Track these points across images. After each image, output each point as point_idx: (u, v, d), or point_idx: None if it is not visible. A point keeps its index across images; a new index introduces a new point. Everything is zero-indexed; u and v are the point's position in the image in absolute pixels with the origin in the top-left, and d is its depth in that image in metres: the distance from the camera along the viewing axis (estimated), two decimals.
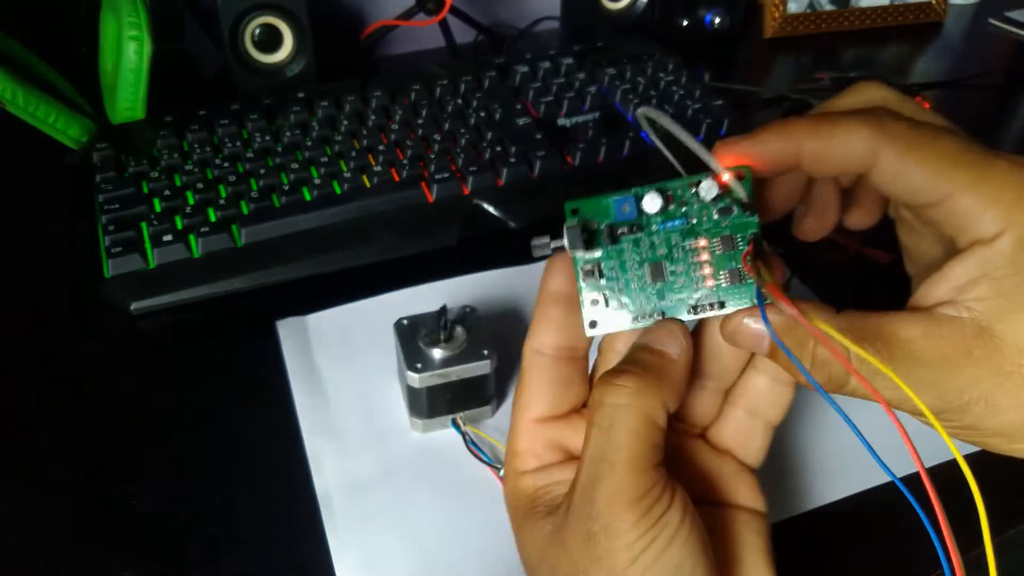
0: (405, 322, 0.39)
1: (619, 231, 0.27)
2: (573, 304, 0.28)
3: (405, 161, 0.54)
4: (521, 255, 0.50)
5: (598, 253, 0.27)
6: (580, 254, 0.27)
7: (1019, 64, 0.80)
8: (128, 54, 0.55)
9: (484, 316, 0.40)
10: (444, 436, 0.40)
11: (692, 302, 0.27)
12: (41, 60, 0.60)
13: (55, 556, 0.35)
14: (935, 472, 0.23)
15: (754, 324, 0.26)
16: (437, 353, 0.38)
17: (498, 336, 0.40)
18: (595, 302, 0.27)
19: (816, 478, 0.38)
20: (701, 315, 0.27)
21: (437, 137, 0.56)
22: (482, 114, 0.59)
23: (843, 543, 0.35)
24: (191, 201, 0.51)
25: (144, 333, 0.46)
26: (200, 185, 0.52)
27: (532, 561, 0.28)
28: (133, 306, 0.46)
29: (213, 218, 0.50)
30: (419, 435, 0.40)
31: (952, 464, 0.23)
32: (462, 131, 0.57)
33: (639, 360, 0.27)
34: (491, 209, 0.53)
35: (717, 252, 0.27)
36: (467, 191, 0.53)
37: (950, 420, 0.25)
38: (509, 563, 0.34)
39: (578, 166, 0.56)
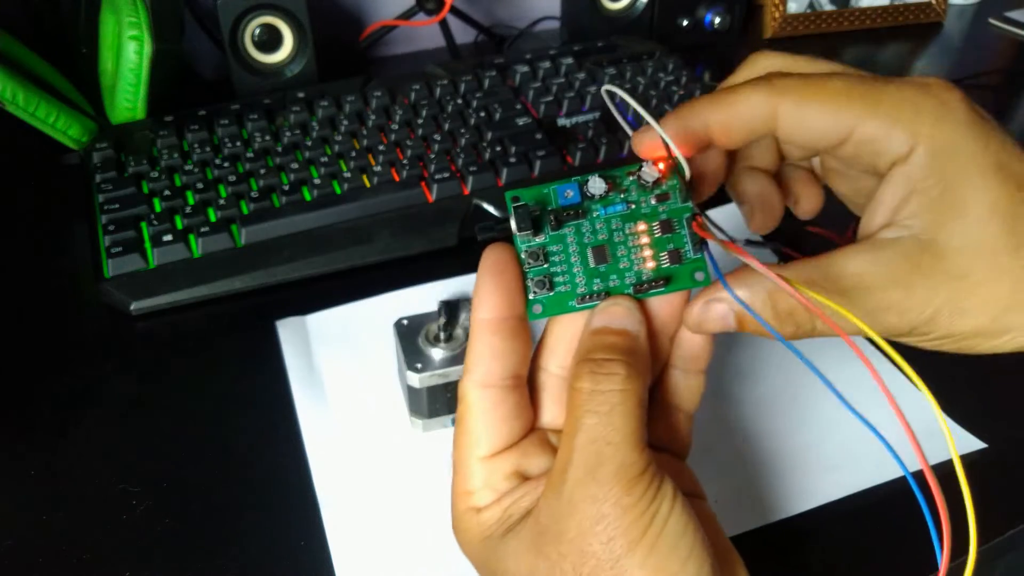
0: (405, 322, 0.39)
1: (563, 215, 0.28)
2: (509, 331, 0.28)
3: (405, 161, 0.54)
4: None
5: (542, 237, 0.28)
6: (525, 239, 0.28)
7: (1019, 64, 0.80)
8: (128, 54, 0.55)
9: None
10: (444, 436, 0.40)
11: (634, 281, 0.28)
12: (41, 60, 0.60)
13: (55, 556, 0.35)
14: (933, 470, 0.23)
15: (718, 304, 0.27)
16: (437, 353, 0.38)
17: None
18: (541, 284, 0.28)
19: (813, 478, 0.38)
20: (646, 294, 0.28)
21: (437, 137, 0.56)
22: (482, 114, 0.59)
23: (838, 544, 0.35)
24: (191, 201, 0.51)
25: (144, 333, 0.46)
26: (200, 185, 0.52)
27: None
28: (133, 306, 0.46)
29: (213, 218, 0.50)
30: (419, 435, 0.40)
31: (948, 464, 0.23)
32: (462, 131, 0.57)
33: (612, 345, 0.27)
34: (491, 209, 0.53)
35: (656, 235, 0.28)
36: (467, 191, 0.53)
37: (924, 335, 0.26)
38: None
39: (578, 166, 0.56)
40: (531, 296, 0.28)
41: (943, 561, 0.22)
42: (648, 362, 0.28)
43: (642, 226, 0.28)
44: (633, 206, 0.28)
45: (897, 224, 0.25)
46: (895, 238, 0.25)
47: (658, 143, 0.27)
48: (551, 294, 0.28)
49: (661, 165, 0.28)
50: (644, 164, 0.28)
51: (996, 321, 0.25)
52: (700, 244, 0.28)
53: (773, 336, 0.26)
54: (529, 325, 0.28)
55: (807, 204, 0.32)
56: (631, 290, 0.28)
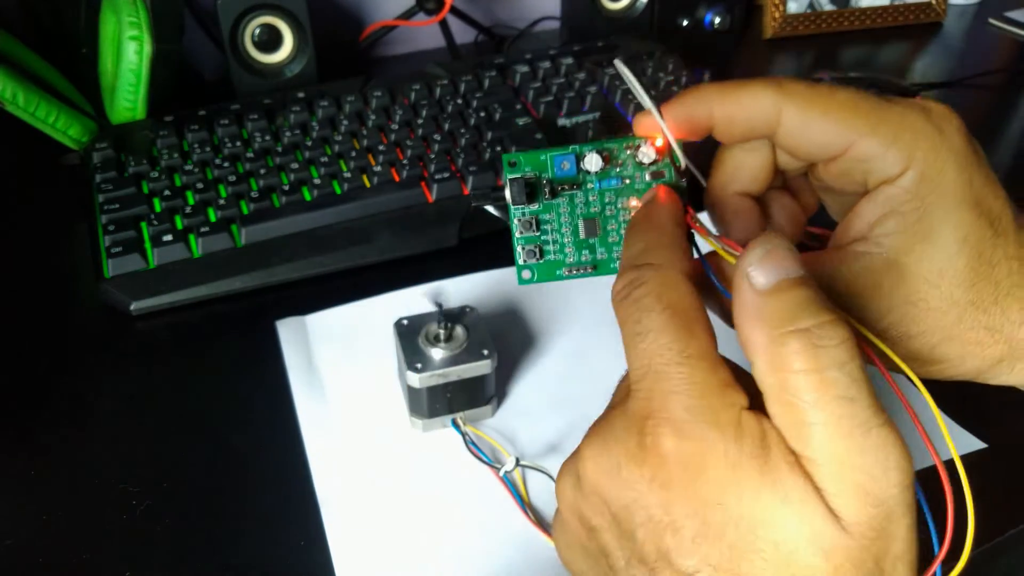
0: (405, 322, 0.39)
1: (558, 187, 0.28)
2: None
3: (405, 161, 0.54)
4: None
5: (536, 206, 0.28)
6: (519, 207, 0.28)
7: (1019, 64, 0.80)
8: (128, 54, 0.55)
9: (484, 316, 0.40)
10: (444, 436, 0.40)
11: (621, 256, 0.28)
12: (41, 60, 0.60)
13: (55, 556, 0.35)
14: (929, 472, 0.23)
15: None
16: (437, 353, 0.38)
17: (498, 336, 0.40)
18: (531, 252, 0.28)
19: None
20: None
21: (437, 137, 0.56)
22: (482, 114, 0.59)
23: None
24: (191, 201, 0.51)
25: (144, 333, 0.46)
26: (200, 185, 0.52)
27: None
28: (133, 306, 0.46)
29: (213, 218, 0.50)
30: (419, 435, 0.40)
31: (951, 462, 0.23)
32: (462, 131, 0.57)
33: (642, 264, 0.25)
34: (491, 209, 0.53)
35: None
36: (467, 191, 0.53)
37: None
38: (509, 562, 0.34)
39: None
40: (520, 262, 0.29)
41: (942, 548, 0.22)
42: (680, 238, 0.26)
43: (634, 201, 0.28)
44: (628, 181, 0.28)
45: (870, 240, 0.26)
46: (864, 252, 0.26)
47: (657, 126, 0.28)
48: (540, 262, 0.29)
49: (659, 144, 0.28)
50: (643, 143, 0.28)
51: (933, 350, 0.26)
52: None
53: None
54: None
55: (791, 230, 0.31)
56: (617, 264, 0.29)
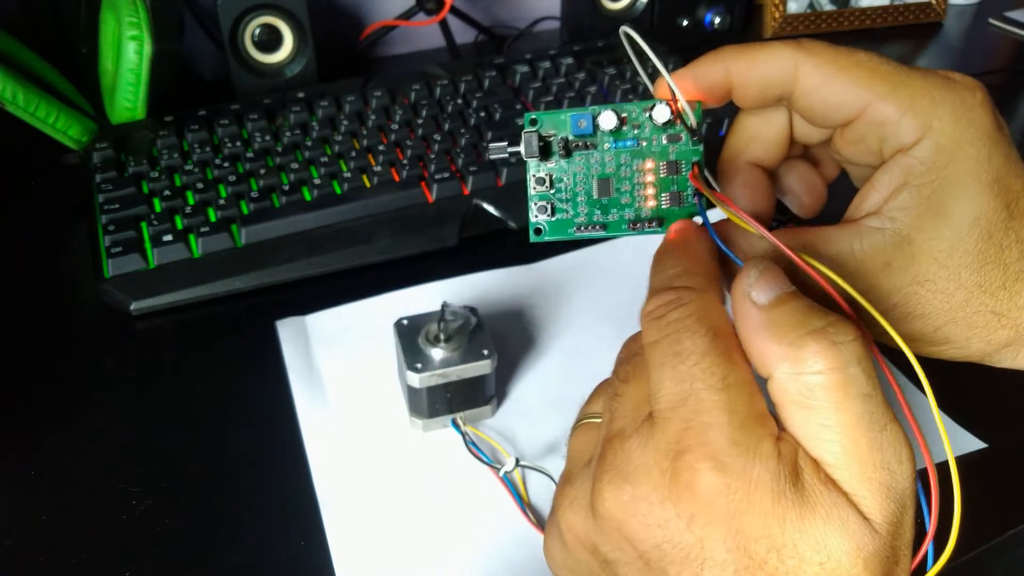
0: (405, 322, 0.39)
1: (573, 144, 0.28)
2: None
3: (405, 161, 0.54)
4: (521, 255, 0.50)
5: (552, 163, 0.29)
6: (534, 162, 0.28)
7: (1019, 64, 0.80)
8: (128, 54, 0.55)
9: (484, 316, 0.40)
10: (444, 436, 0.40)
11: (632, 217, 0.29)
12: (41, 60, 0.60)
13: (55, 556, 0.35)
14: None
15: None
16: (437, 353, 0.38)
17: (498, 336, 0.40)
18: (543, 209, 0.29)
19: None
20: (640, 231, 0.29)
21: (437, 137, 0.56)
22: (482, 114, 0.59)
23: None
24: (191, 201, 0.51)
25: (144, 333, 0.46)
26: (200, 185, 0.52)
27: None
28: (133, 306, 0.46)
29: (213, 218, 0.50)
30: (419, 435, 0.40)
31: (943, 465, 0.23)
32: (462, 131, 0.57)
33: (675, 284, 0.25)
34: (491, 209, 0.53)
35: (662, 175, 0.28)
36: (467, 191, 0.53)
37: (868, 326, 0.25)
38: (509, 562, 0.34)
39: None
40: (533, 219, 0.29)
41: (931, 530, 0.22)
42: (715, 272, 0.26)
43: (649, 164, 0.28)
44: (644, 143, 0.28)
45: (883, 214, 0.25)
46: (877, 228, 0.25)
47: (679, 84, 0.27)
48: (552, 219, 0.29)
49: (675, 104, 0.28)
50: (658, 103, 0.28)
51: (938, 331, 0.26)
52: (697, 193, 0.28)
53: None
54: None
55: (808, 199, 0.31)
56: (627, 226, 0.29)
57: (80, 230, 0.53)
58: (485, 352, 0.38)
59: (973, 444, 0.39)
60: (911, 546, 0.22)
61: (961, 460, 0.37)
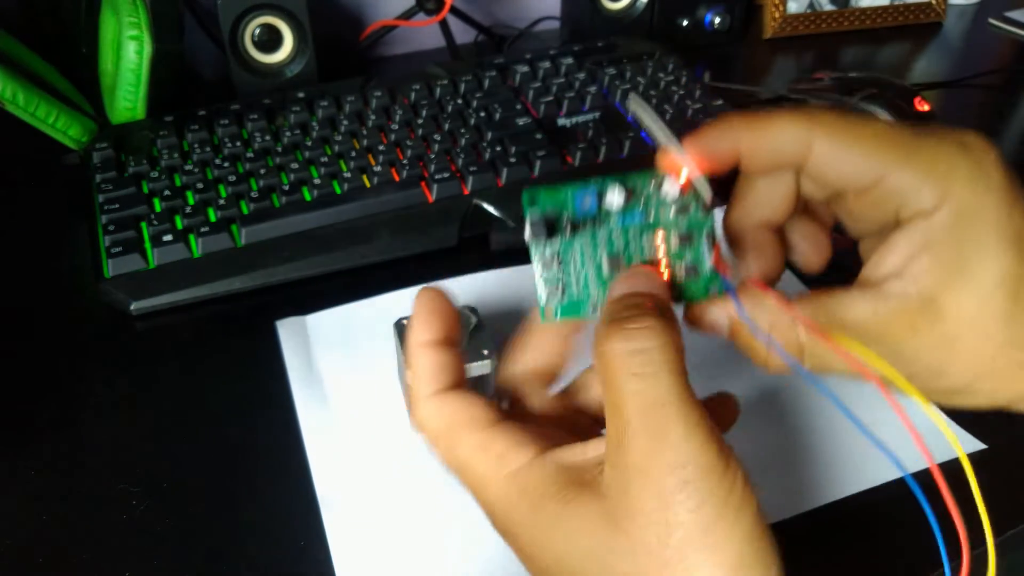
0: (405, 322, 0.39)
1: (579, 223, 0.27)
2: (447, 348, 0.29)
3: (405, 161, 0.54)
4: (520, 255, 0.50)
5: (558, 243, 0.28)
6: (540, 244, 0.27)
7: (1019, 64, 0.80)
8: (128, 54, 0.55)
9: (484, 316, 0.40)
10: None
11: None
12: (41, 60, 0.60)
13: (55, 556, 0.35)
14: (920, 479, 0.23)
15: (719, 312, 0.28)
16: None
17: (498, 336, 0.40)
18: (553, 291, 0.28)
19: (820, 475, 0.38)
20: None
21: (437, 137, 0.56)
22: (482, 114, 0.59)
23: (847, 541, 0.35)
24: (191, 201, 0.51)
25: (144, 333, 0.46)
26: (200, 185, 0.52)
27: (578, 558, 0.25)
28: (133, 306, 0.46)
29: (213, 218, 0.50)
30: (419, 435, 0.40)
31: (953, 463, 0.23)
32: (462, 131, 0.57)
33: (639, 305, 0.26)
34: (491, 209, 0.53)
35: (674, 247, 0.28)
36: (467, 191, 0.53)
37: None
38: (509, 562, 0.34)
39: (578, 166, 0.56)
40: (543, 302, 0.28)
41: (964, 555, 0.22)
42: (677, 321, 0.26)
43: (660, 236, 0.28)
44: (652, 216, 0.28)
45: (905, 277, 0.25)
46: (900, 291, 0.25)
47: (680, 161, 0.27)
48: (564, 301, 0.28)
49: (683, 180, 0.27)
50: (666, 178, 0.27)
51: (969, 386, 0.26)
52: (721, 274, 0.27)
53: (766, 358, 0.27)
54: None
55: (816, 257, 0.30)
56: None
57: (80, 230, 0.53)
58: (485, 352, 0.38)
59: (973, 444, 0.39)
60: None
61: (960, 461, 0.37)
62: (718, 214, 0.29)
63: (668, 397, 0.24)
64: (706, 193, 0.27)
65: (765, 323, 0.26)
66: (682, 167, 0.27)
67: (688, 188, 0.27)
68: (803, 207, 0.30)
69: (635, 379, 0.24)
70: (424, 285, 0.29)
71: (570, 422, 0.30)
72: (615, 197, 0.27)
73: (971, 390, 0.26)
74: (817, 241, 0.30)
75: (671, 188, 0.27)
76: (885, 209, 0.26)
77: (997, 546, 0.35)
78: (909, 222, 0.25)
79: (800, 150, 0.26)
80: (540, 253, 0.27)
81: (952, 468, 0.23)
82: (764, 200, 0.29)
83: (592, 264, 0.28)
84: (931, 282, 0.25)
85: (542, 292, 0.28)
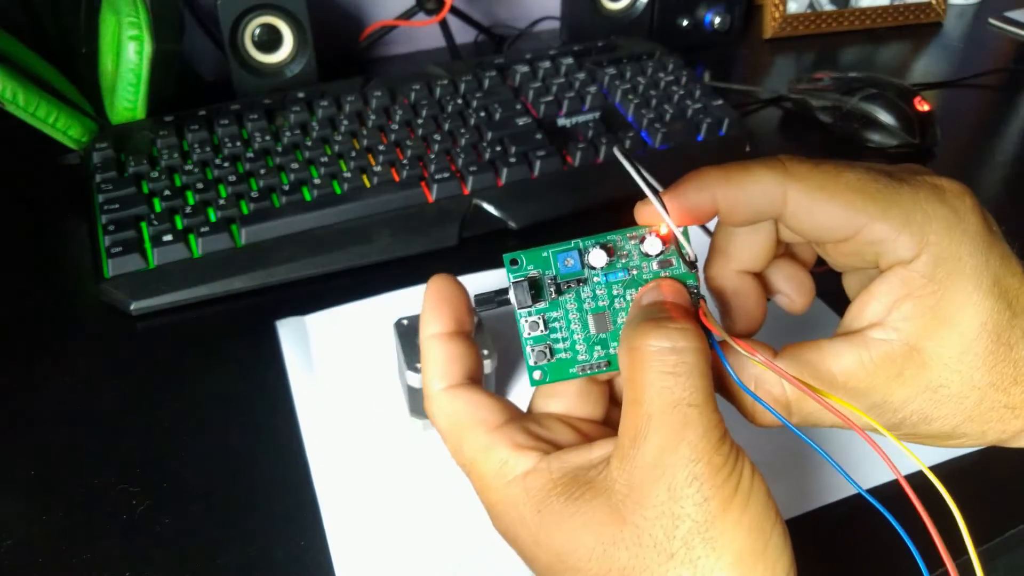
0: (405, 322, 0.39)
1: (563, 283, 0.27)
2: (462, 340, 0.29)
3: (405, 161, 0.54)
4: None
5: (543, 305, 0.28)
6: (525, 308, 0.27)
7: (1019, 64, 0.80)
8: (128, 54, 0.55)
9: (484, 316, 0.40)
10: None
11: None
12: (41, 60, 0.60)
13: (55, 556, 0.35)
14: (914, 481, 0.23)
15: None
16: None
17: (498, 336, 0.40)
18: (541, 354, 0.28)
19: (820, 476, 0.38)
20: None
21: (437, 137, 0.56)
22: (482, 114, 0.59)
23: (847, 541, 0.35)
24: (191, 201, 0.51)
25: (144, 333, 0.46)
26: (200, 185, 0.52)
27: (582, 553, 0.25)
28: (133, 306, 0.46)
29: (213, 218, 0.50)
30: (419, 435, 0.40)
31: (953, 463, 0.23)
32: (462, 131, 0.57)
33: (668, 308, 0.26)
34: (491, 209, 0.53)
35: None
36: (467, 191, 0.53)
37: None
38: (509, 562, 0.34)
39: (578, 166, 0.56)
40: (531, 363, 0.28)
41: (948, 566, 0.23)
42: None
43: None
44: (635, 272, 0.28)
45: (887, 325, 0.26)
46: (883, 340, 0.26)
47: (659, 215, 0.27)
48: (552, 362, 0.28)
49: (663, 232, 0.27)
50: (647, 234, 0.27)
51: (956, 429, 0.26)
52: (707, 329, 0.27)
53: (753, 412, 0.27)
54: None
55: (800, 299, 0.30)
56: None
57: (80, 230, 0.53)
58: (485, 352, 0.38)
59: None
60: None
61: (960, 461, 0.37)
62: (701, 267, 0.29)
63: (695, 399, 0.24)
64: (688, 249, 0.27)
65: (751, 379, 0.27)
66: (661, 220, 0.27)
67: (669, 241, 0.27)
68: (784, 248, 0.30)
69: (667, 376, 0.24)
70: (436, 274, 0.29)
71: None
72: (597, 256, 0.27)
73: (958, 434, 0.26)
74: (800, 283, 0.30)
75: (652, 245, 0.27)
76: (864, 257, 0.26)
77: (995, 546, 0.35)
78: (889, 270, 0.26)
79: (775, 203, 0.26)
80: (526, 317, 0.28)
81: (951, 469, 0.23)
82: (744, 249, 0.29)
83: (579, 324, 0.28)
84: (914, 330, 0.25)
85: (531, 355, 0.28)
